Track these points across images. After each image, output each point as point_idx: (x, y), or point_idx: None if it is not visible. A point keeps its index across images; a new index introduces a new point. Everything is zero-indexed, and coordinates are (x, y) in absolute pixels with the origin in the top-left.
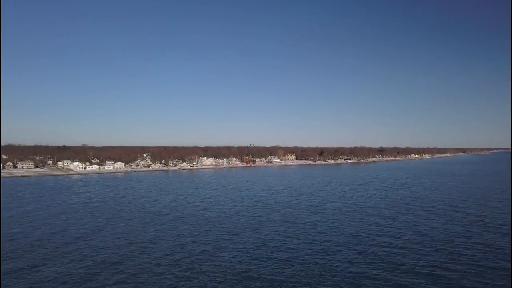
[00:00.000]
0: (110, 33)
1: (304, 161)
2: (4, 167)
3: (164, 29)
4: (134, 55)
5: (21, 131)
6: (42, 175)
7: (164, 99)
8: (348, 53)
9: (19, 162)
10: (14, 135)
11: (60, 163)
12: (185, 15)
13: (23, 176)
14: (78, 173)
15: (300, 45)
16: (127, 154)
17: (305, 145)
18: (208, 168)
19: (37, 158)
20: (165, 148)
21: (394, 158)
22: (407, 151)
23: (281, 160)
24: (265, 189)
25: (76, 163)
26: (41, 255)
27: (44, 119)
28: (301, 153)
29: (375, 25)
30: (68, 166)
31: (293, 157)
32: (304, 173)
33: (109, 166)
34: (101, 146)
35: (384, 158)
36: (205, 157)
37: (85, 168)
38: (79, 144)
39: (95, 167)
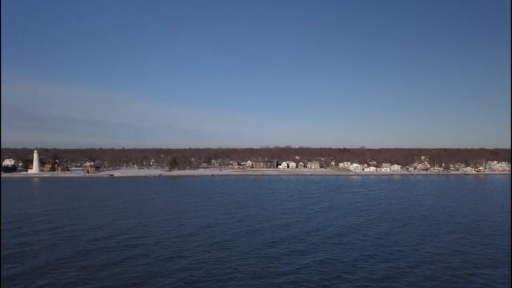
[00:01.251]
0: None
1: None
2: (297, 167)
3: None
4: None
5: (310, 135)
6: (326, 175)
7: (438, 99)
8: None
9: (308, 162)
10: (305, 140)
11: (341, 164)
12: None
13: (311, 175)
14: (357, 174)
15: None
16: (404, 156)
17: None
18: (499, 174)
19: (322, 159)
20: (445, 150)
21: None
22: None
23: None
24: None
25: (355, 165)
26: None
27: (329, 124)
28: None
29: None
30: (348, 167)
31: None
32: None
33: (386, 169)
34: (378, 148)
35: None
36: (495, 161)
37: (363, 170)
38: (358, 147)
39: (372, 168)
